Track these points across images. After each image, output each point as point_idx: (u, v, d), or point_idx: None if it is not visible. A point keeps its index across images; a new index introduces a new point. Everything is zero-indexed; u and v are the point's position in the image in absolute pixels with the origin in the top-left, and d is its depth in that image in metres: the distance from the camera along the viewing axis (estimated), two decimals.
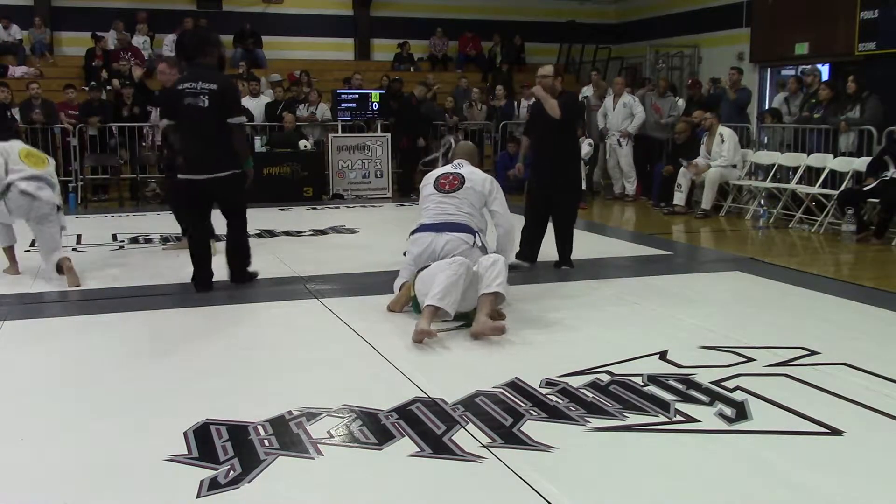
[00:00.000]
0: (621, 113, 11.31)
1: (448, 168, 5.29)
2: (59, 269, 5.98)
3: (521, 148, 7.08)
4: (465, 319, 4.68)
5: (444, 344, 4.34)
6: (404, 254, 5.21)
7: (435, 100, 13.17)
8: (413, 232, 5.09)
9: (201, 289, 5.59)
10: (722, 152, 9.66)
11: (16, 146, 6.32)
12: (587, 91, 12.34)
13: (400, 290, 5.05)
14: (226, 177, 5.47)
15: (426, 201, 5.14)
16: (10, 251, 6.47)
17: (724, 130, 9.79)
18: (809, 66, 11.67)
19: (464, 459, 2.90)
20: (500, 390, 3.58)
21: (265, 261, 6.75)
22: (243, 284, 5.74)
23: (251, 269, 5.87)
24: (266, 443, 3.03)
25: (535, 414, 3.32)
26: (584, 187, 10.74)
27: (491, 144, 13.12)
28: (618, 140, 11.32)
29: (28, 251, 7.22)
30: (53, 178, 6.32)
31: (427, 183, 5.24)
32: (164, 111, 5.67)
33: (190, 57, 5.60)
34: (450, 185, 5.11)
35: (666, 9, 15.45)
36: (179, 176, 5.60)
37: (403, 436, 3.09)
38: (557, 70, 6.41)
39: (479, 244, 4.99)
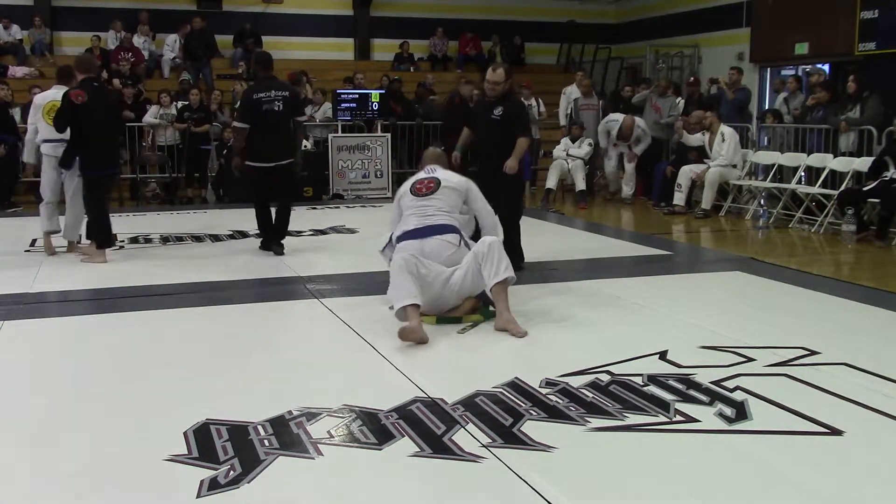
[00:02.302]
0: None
1: (422, 174, 5.28)
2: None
3: (459, 139, 6.75)
4: (471, 321, 4.70)
5: (444, 344, 4.34)
6: (383, 250, 5.20)
7: (435, 100, 13.16)
8: (398, 240, 5.01)
9: (268, 248, 7.03)
10: (722, 151, 9.66)
11: (48, 97, 6.98)
12: (573, 91, 12.20)
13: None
14: (286, 164, 6.98)
15: (406, 208, 5.10)
16: (48, 238, 7.01)
17: (726, 130, 9.77)
18: (811, 67, 11.69)
19: (464, 459, 2.90)
20: (500, 390, 3.58)
21: (265, 260, 6.76)
22: (279, 248, 7.00)
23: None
24: (266, 443, 3.03)
25: (535, 414, 3.32)
26: (584, 187, 10.79)
27: None
28: (623, 154, 10.99)
29: (28, 251, 7.23)
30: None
31: (404, 191, 5.23)
32: (244, 116, 6.89)
33: (266, 69, 7.05)
34: (426, 188, 5.11)
35: (666, 9, 15.44)
36: (251, 164, 6.88)
37: (403, 436, 3.09)
38: (508, 73, 6.33)
39: (465, 242, 4.99)
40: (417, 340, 4.26)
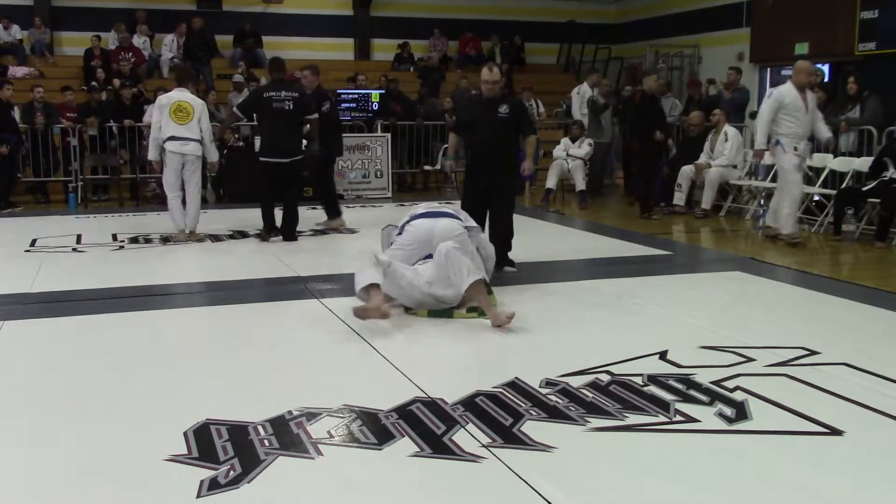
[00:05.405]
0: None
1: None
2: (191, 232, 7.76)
3: (450, 146, 6.77)
4: (463, 317, 4.70)
5: (444, 344, 4.34)
6: (384, 228, 5.26)
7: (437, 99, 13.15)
8: (408, 221, 5.16)
9: (273, 236, 7.54)
10: (724, 151, 9.66)
11: (173, 98, 7.48)
12: (587, 91, 12.16)
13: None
14: (298, 160, 7.50)
15: (415, 210, 5.33)
16: (183, 233, 7.73)
17: (730, 129, 9.78)
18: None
19: (464, 459, 2.90)
20: (500, 390, 3.58)
21: (265, 260, 6.76)
22: (293, 241, 7.51)
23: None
24: (266, 443, 3.03)
25: (535, 414, 3.32)
26: (584, 187, 10.76)
27: None
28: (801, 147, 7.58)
29: (28, 251, 7.24)
30: (199, 131, 7.44)
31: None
32: (244, 109, 7.60)
33: (278, 71, 7.71)
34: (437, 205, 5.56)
35: (666, 9, 15.44)
36: (263, 159, 7.42)
37: (403, 436, 3.09)
38: (502, 72, 6.50)
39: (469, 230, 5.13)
40: (378, 316, 4.45)
